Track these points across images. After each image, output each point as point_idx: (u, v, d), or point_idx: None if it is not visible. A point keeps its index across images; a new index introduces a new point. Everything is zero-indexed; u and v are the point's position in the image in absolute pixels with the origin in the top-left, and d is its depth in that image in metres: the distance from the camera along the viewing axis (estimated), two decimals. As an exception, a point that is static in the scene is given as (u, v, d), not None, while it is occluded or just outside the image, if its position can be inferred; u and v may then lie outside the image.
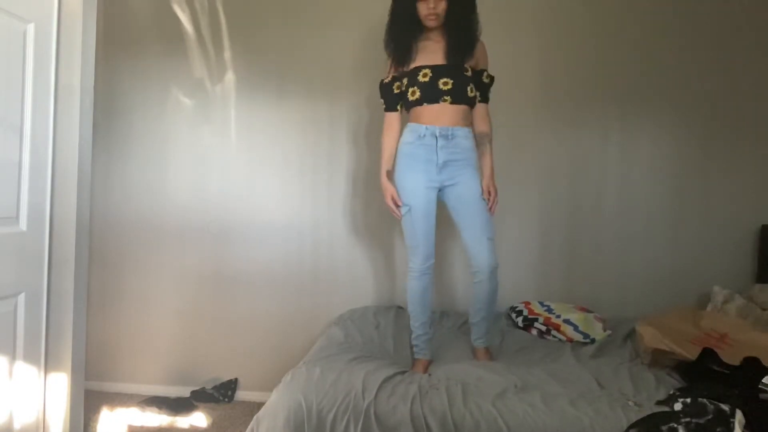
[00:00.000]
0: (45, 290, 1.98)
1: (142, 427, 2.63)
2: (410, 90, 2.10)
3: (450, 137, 2.07)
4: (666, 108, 2.92)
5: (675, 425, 1.51)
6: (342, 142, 2.99)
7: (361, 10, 2.96)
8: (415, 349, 2.18)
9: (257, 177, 3.03)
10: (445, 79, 2.06)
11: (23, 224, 1.87)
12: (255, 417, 1.73)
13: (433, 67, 2.07)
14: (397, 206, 2.14)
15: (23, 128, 1.85)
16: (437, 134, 2.06)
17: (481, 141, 2.18)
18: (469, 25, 2.11)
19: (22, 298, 1.87)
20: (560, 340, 2.47)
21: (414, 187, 2.10)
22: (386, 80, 2.19)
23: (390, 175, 2.18)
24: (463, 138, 2.10)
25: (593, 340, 2.44)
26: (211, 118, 3.03)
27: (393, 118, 2.21)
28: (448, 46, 2.09)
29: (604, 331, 2.51)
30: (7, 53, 1.78)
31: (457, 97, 2.07)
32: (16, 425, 1.88)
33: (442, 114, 2.07)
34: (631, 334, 2.43)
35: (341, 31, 2.97)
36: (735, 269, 2.88)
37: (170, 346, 3.06)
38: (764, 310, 2.40)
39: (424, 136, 2.07)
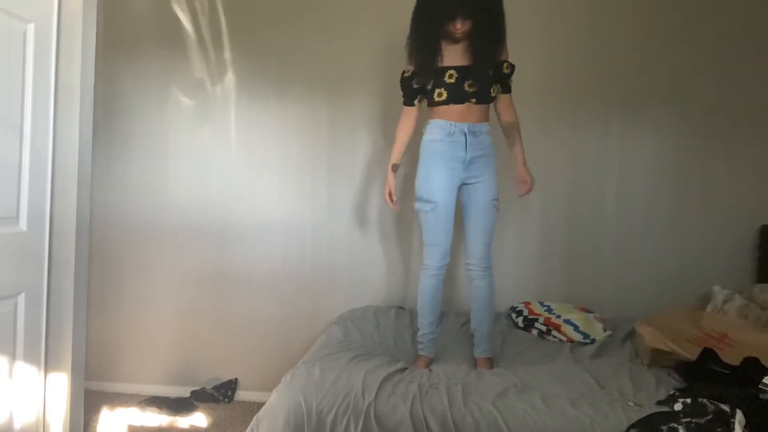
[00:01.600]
0: (45, 290, 1.98)
1: (142, 427, 2.63)
2: (436, 91, 2.11)
3: (477, 134, 2.11)
4: (666, 108, 2.91)
5: (675, 425, 1.51)
6: (342, 142, 2.99)
7: (362, 10, 2.96)
8: (419, 345, 2.20)
9: (257, 177, 3.03)
10: (470, 81, 2.08)
11: (23, 224, 1.87)
12: (255, 417, 1.73)
13: (458, 69, 2.09)
14: (393, 201, 2.23)
15: (23, 128, 1.85)
16: (466, 131, 2.10)
17: (510, 131, 2.21)
18: (497, 35, 2.11)
19: (22, 298, 1.87)
20: (560, 340, 2.47)
21: (441, 185, 2.11)
22: (406, 74, 2.18)
23: (396, 169, 2.23)
24: (487, 134, 2.15)
25: (593, 341, 2.44)
26: (211, 118, 3.03)
27: (410, 112, 2.24)
28: (474, 52, 2.09)
29: (604, 331, 2.51)
30: (7, 53, 1.78)
31: (482, 98, 2.12)
32: (16, 425, 1.88)
33: (468, 112, 2.11)
34: (631, 335, 2.43)
35: (341, 32, 2.97)
36: (735, 269, 2.87)
37: (170, 346, 3.06)
38: (764, 310, 2.40)
39: (453, 132, 2.10)
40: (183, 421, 2.70)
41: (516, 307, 2.75)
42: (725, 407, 1.53)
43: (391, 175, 2.23)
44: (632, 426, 1.53)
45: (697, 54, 2.89)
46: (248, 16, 3.00)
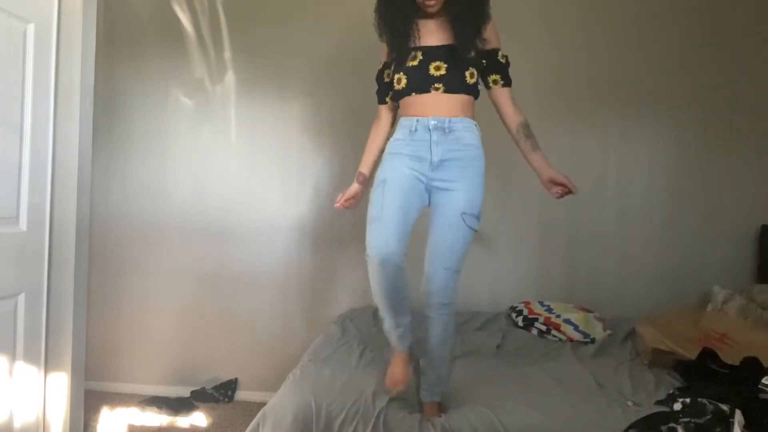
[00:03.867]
0: (45, 290, 1.98)
1: (142, 427, 2.63)
2: (396, 77, 1.76)
3: (447, 130, 1.69)
4: (666, 108, 2.91)
5: (674, 425, 1.51)
6: (342, 142, 2.99)
7: (362, 10, 2.96)
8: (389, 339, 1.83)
9: (257, 177, 3.03)
10: (437, 63, 1.69)
11: (23, 224, 1.87)
12: (262, 411, 1.72)
13: (425, 49, 1.72)
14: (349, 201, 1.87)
15: (23, 128, 1.85)
16: (430, 126, 1.69)
17: (525, 133, 1.78)
18: (478, 4, 1.74)
19: (22, 298, 1.87)
20: (560, 339, 2.47)
21: (396, 167, 1.73)
22: (379, 67, 1.89)
23: (364, 180, 1.87)
24: (464, 131, 1.72)
25: (593, 340, 2.44)
26: (211, 118, 3.03)
27: (380, 111, 1.92)
28: (451, 25, 1.71)
29: (604, 330, 2.51)
30: (7, 53, 1.78)
31: (452, 84, 1.69)
32: (17, 425, 1.88)
33: (435, 104, 1.70)
34: (631, 334, 2.43)
35: (342, 31, 2.97)
36: (735, 269, 2.87)
37: (170, 346, 3.06)
38: (764, 310, 2.40)
39: (416, 130, 1.71)
40: (183, 421, 2.70)
41: (516, 307, 2.75)
42: (724, 407, 1.53)
43: (353, 185, 1.87)
44: (631, 426, 1.53)
45: (697, 54, 2.89)
46: (248, 16, 3.00)
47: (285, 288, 3.03)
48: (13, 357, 1.85)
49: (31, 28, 1.86)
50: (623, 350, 2.31)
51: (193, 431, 2.63)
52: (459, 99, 1.72)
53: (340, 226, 3.00)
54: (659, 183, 2.93)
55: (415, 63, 1.71)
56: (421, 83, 1.70)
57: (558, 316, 2.55)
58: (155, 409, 2.78)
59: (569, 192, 1.72)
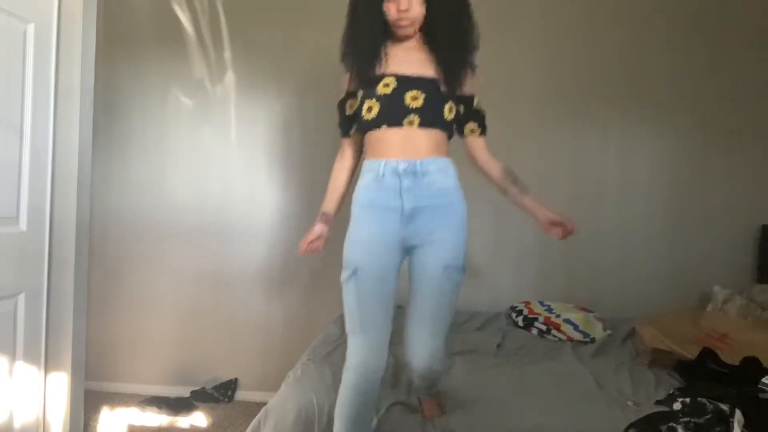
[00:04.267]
0: (45, 290, 1.98)
1: (142, 427, 2.63)
2: (366, 104, 1.52)
3: (419, 174, 1.48)
4: (666, 108, 2.91)
5: (674, 425, 1.51)
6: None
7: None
8: None
9: (257, 176, 3.03)
10: (414, 92, 1.48)
11: (23, 224, 1.87)
12: (264, 409, 1.72)
13: (399, 77, 1.50)
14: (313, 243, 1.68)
15: (23, 128, 1.86)
16: (399, 171, 1.48)
17: (511, 179, 1.60)
18: (464, 32, 1.53)
19: (22, 298, 1.87)
20: (560, 339, 2.47)
21: (368, 241, 1.51)
22: (341, 96, 1.66)
23: (328, 219, 1.71)
24: (439, 173, 1.50)
25: (593, 340, 2.44)
26: (211, 118, 3.03)
27: (344, 145, 1.70)
28: (435, 57, 1.53)
29: (604, 330, 2.51)
30: (7, 53, 1.78)
31: (429, 117, 1.49)
32: (17, 424, 1.88)
33: (406, 142, 1.49)
34: (631, 334, 2.44)
35: (342, 31, 2.97)
36: (735, 269, 2.87)
37: (170, 346, 3.06)
38: (764, 310, 2.40)
39: (383, 175, 1.49)
40: (183, 421, 2.70)
41: (516, 307, 2.75)
42: (724, 407, 1.53)
43: (318, 225, 1.69)
44: (631, 425, 1.53)
45: (698, 54, 2.89)
46: (248, 16, 3.00)
47: (285, 288, 3.03)
48: (13, 357, 1.85)
49: (31, 28, 1.86)
50: (623, 350, 2.31)
51: (193, 431, 2.63)
52: (434, 136, 1.51)
53: (340, 227, 2.99)
54: (659, 183, 2.93)
55: (388, 91, 1.49)
56: (394, 114, 1.49)
57: (558, 316, 2.55)
58: (155, 409, 2.78)
59: (570, 232, 1.52)
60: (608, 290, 2.92)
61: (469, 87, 1.58)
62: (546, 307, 2.66)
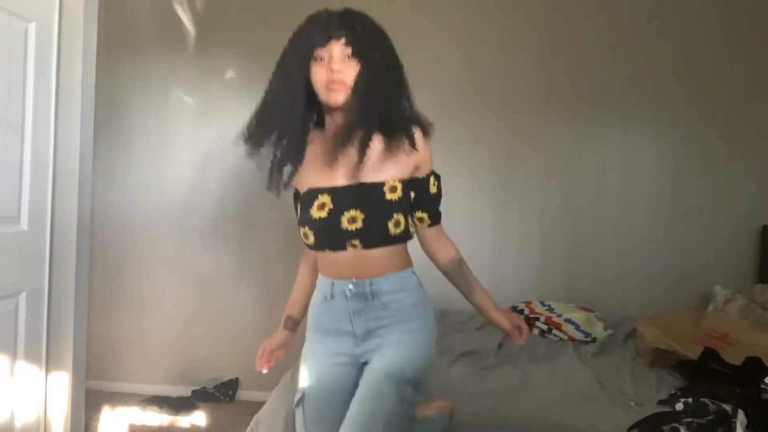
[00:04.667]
0: (46, 289, 1.98)
1: (143, 427, 2.63)
2: (301, 231, 1.35)
3: (370, 296, 1.30)
4: (666, 108, 2.91)
5: (677, 425, 1.50)
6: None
7: (363, 7, 2.95)
8: None
9: (258, 176, 3.02)
10: (351, 213, 1.25)
11: (24, 224, 1.87)
12: (255, 417, 1.73)
13: (333, 192, 1.28)
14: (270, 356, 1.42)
15: (24, 128, 1.85)
16: (347, 293, 1.30)
17: (457, 273, 1.41)
18: (397, 103, 1.28)
19: (23, 297, 1.87)
20: (561, 339, 2.47)
21: (317, 369, 1.34)
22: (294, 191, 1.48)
23: (294, 324, 1.50)
24: (394, 292, 1.31)
25: (594, 340, 2.44)
26: (212, 117, 3.03)
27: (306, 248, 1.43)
28: (359, 143, 1.24)
29: (605, 330, 2.51)
30: (8, 53, 1.78)
31: (372, 239, 1.27)
32: (18, 424, 1.88)
33: (355, 261, 1.29)
34: (633, 334, 2.43)
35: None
36: (736, 269, 2.87)
37: (171, 345, 3.06)
38: (765, 310, 2.40)
39: (332, 296, 1.33)
40: (184, 420, 2.70)
41: (517, 307, 2.75)
42: (727, 407, 1.53)
43: (282, 331, 1.48)
44: (633, 426, 1.53)
45: (697, 54, 2.89)
46: (249, 15, 2.99)
47: (286, 288, 3.01)
48: (14, 356, 1.85)
49: (32, 28, 1.86)
50: (624, 350, 2.31)
51: (194, 431, 2.63)
52: (383, 253, 1.30)
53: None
54: (660, 182, 2.92)
55: (323, 214, 1.28)
56: (333, 240, 1.29)
57: (559, 316, 2.55)
58: (156, 408, 2.78)
59: (526, 334, 1.38)
60: (609, 290, 2.92)
61: (421, 162, 1.31)
62: (547, 307, 2.66)
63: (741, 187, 2.89)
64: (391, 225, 1.26)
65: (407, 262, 1.36)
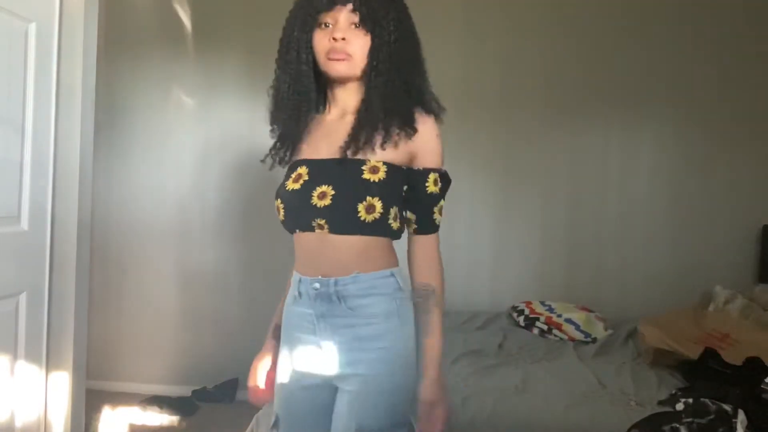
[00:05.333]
0: (46, 289, 1.97)
1: (143, 427, 2.64)
2: (276, 204, 1.19)
3: (336, 298, 1.11)
4: (667, 108, 2.91)
5: (677, 425, 1.50)
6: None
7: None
8: None
9: (258, 176, 3.02)
10: (323, 188, 1.09)
11: (25, 223, 1.87)
12: (255, 417, 1.73)
13: (311, 163, 1.14)
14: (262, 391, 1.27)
15: (25, 127, 1.85)
16: (311, 293, 1.13)
17: (425, 303, 1.14)
18: (405, 81, 1.12)
19: (23, 297, 1.87)
20: (561, 339, 2.47)
21: (288, 386, 1.18)
22: None
23: (279, 333, 1.26)
24: (364, 296, 1.10)
25: (594, 340, 2.44)
26: (212, 117, 3.03)
27: None
28: (355, 120, 1.12)
29: (605, 330, 2.51)
30: (8, 52, 1.78)
31: (339, 220, 1.09)
32: (18, 424, 1.88)
33: (323, 251, 1.12)
34: (633, 334, 2.43)
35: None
36: (737, 269, 2.87)
37: (172, 345, 3.06)
38: (766, 310, 2.40)
39: (299, 295, 1.17)
40: (184, 420, 2.70)
41: (517, 307, 2.75)
42: (727, 407, 1.53)
43: (269, 341, 1.32)
44: (634, 426, 1.53)
45: (698, 54, 2.89)
46: (249, 15, 2.99)
47: (286, 287, 3.03)
48: (14, 356, 1.85)
49: (32, 28, 1.86)
50: (625, 350, 2.31)
51: (194, 431, 2.63)
52: (354, 245, 1.10)
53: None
54: (661, 183, 2.92)
55: (297, 186, 1.12)
56: (300, 217, 1.12)
57: (559, 316, 2.55)
58: (156, 408, 2.78)
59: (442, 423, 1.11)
60: (609, 290, 2.92)
61: (426, 157, 1.13)
62: (547, 307, 2.66)
63: (741, 187, 2.89)
64: (361, 208, 1.07)
65: (387, 263, 1.13)
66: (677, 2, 2.90)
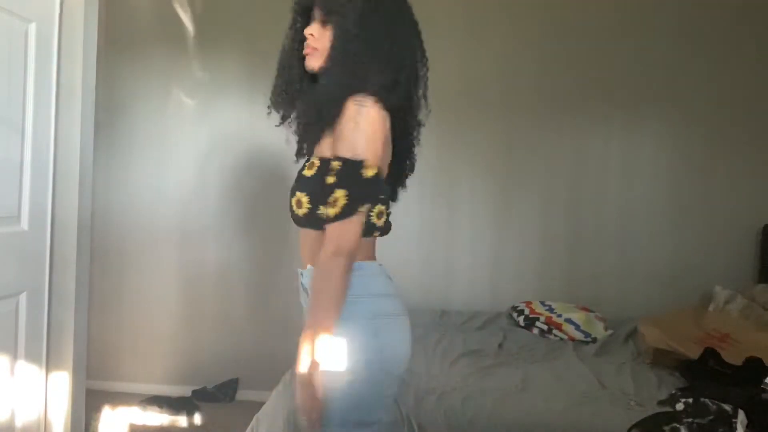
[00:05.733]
0: (46, 289, 1.98)
1: (143, 426, 2.64)
2: None
3: (303, 289, 1.21)
4: (668, 108, 2.91)
5: (677, 425, 1.50)
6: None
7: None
8: None
9: (257, 176, 3.02)
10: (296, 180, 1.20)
11: (25, 223, 1.87)
12: (255, 417, 1.73)
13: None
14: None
15: (25, 128, 1.85)
16: (300, 285, 1.23)
17: (309, 287, 1.16)
18: (352, 72, 1.10)
19: (23, 297, 1.87)
20: (561, 339, 2.47)
21: None
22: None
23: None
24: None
25: (594, 340, 2.44)
26: (212, 118, 3.03)
27: None
28: (297, 123, 1.27)
29: (605, 330, 2.51)
30: (8, 52, 1.77)
31: (293, 214, 1.18)
32: (18, 424, 1.88)
33: (301, 244, 1.21)
34: (633, 334, 2.43)
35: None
36: (737, 269, 2.87)
37: (172, 345, 3.06)
38: (766, 310, 2.40)
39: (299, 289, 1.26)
40: (184, 420, 2.70)
41: (517, 307, 2.75)
42: (727, 407, 1.53)
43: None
44: (634, 426, 1.53)
45: (698, 53, 2.89)
46: (249, 15, 2.99)
47: (286, 287, 3.02)
48: (14, 356, 1.85)
49: (32, 28, 1.86)
50: (625, 350, 2.31)
51: (194, 430, 2.63)
52: (310, 239, 1.15)
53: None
54: (660, 183, 2.92)
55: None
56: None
57: (559, 316, 2.55)
58: (156, 408, 2.78)
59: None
60: (609, 290, 2.92)
61: (335, 139, 1.09)
62: (547, 307, 2.66)
63: (742, 187, 2.89)
64: (293, 203, 1.15)
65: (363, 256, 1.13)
66: (677, 3, 2.90)
